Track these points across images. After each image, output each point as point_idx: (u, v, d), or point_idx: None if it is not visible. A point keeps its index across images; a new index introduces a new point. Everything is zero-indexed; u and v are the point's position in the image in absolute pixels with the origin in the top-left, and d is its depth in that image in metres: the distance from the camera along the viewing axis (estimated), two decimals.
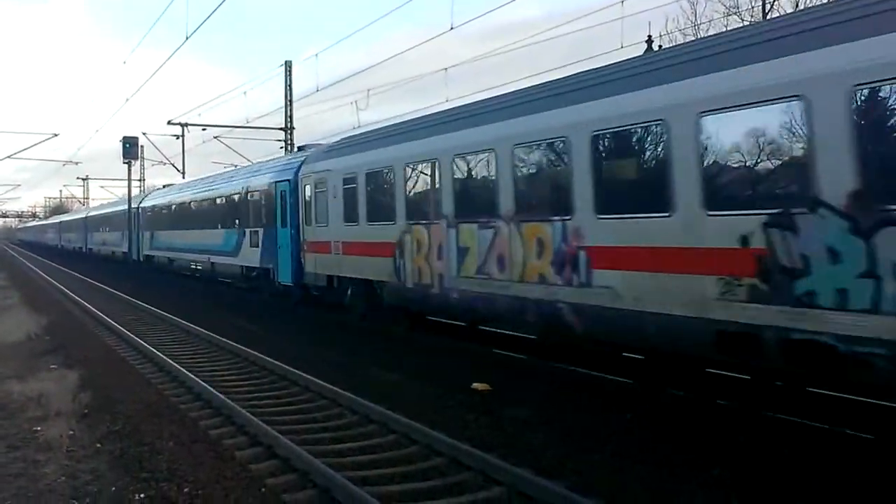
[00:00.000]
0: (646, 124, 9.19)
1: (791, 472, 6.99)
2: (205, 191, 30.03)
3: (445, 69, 26.80)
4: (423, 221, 13.48)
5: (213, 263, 27.73)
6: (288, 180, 20.20)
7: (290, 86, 37.30)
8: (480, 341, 13.95)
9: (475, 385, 10.56)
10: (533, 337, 12.64)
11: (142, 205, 40.37)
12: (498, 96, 12.82)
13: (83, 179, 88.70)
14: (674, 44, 23.10)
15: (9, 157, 40.29)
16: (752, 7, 23.36)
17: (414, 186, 14.05)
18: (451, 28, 19.32)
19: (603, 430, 8.40)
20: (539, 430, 8.47)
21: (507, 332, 13.86)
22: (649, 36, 22.78)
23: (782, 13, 21.40)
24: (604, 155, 9.92)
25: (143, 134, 48.17)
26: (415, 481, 7.12)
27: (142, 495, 6.74)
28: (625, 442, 7.98)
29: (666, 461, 7.35)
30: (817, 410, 8.47)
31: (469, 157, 12.46)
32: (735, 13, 23.82)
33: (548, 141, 10.66)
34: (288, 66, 37.36)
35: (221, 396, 10.15)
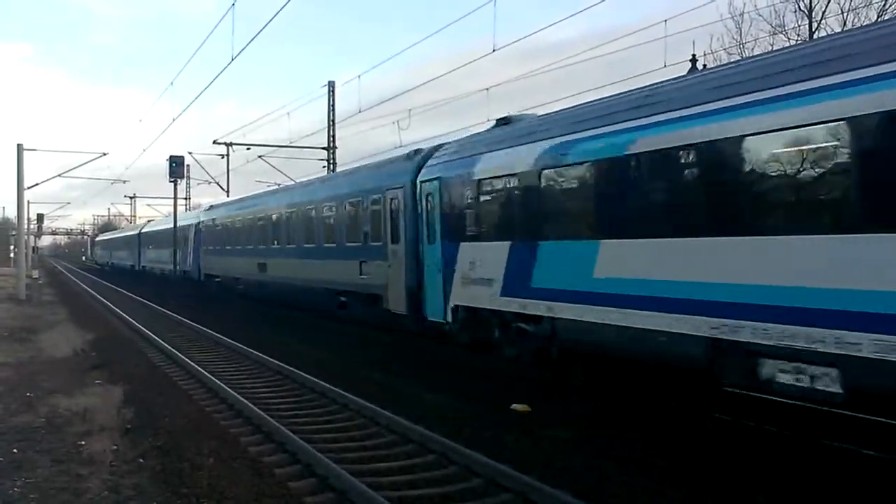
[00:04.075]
0: None
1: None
2: None
3: (487, 89, 26.95)
4: None
5: None
6: None
7: (332, 106, 37.74)
8: (521, 362, 13.83)
9: (515, 406, 10.49)
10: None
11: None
12: None
13: (131, 198, 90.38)
14: (718, 63, 22.86)
15: (59, 175, 41.02)
16: (798, 26, 23.04)
17: None
18: (494, 50, 19.28)
19: (644, 453, 8.27)
20: (579, 453, 8.37)
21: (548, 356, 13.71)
22: (693, 55, 22.61)
23: (829, 32, 21.14)
24: None
25: (189, 153, 48.98)
26: (453, 503, 7.07)
27: None
28: (667, 466, 7.84)
29: (708, 487, 7.21)
30: (873, 438, 8.22)
31: None
32: (781, 32, 23.51)
33: None
34: (331, 86, 37.82)
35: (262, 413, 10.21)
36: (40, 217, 76.29)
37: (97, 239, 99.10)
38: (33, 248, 74.23)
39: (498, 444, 8.68)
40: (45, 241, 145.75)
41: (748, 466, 7.77)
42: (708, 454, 8.24)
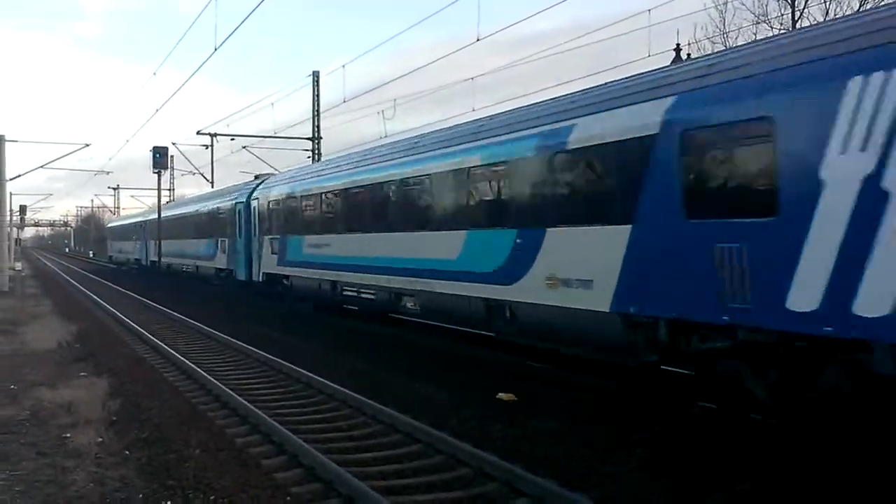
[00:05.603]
0: None
1: (826, 489, 6.87)
2: None
3: (472, 79, 26.93)
4: None
5: None
6: None
7: (317, 96, 37.61)
8: (506, 351, 13.89)
9: (500, 395, 10.53)
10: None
11: None
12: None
13: (114, 189, 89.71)
14: (702, 52, 22.92)
15: (41, 166, 40.81)
16: (782, 15, 23.11)
17: None
18: (478, 39, 19.28)
19: (629, 441, 8.32)
20: (565, 441, 8.41)
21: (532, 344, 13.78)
22: (678, 44, 22.61)
23: (812, 22, 21.22)
24: None
25: (173, 144, 48.60)
26: (439, 492, 7.11)
27: (169, 503, 6.79)
28: (651, 454, 7.90)
29: (692, 474, 7.27)
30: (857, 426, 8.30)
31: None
32: (765, 21, 23.56)
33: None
34: (316, 76, 37.66)
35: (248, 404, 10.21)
36: (23, 209, 75.53)
37: (111, 225, 70.62)
38: (16, 240, 73.39)
39: (484, 434, 8.72)
40: (28, 232, 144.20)
41: (733, 453, 7.84)
42: (692, 441, 8.31)
